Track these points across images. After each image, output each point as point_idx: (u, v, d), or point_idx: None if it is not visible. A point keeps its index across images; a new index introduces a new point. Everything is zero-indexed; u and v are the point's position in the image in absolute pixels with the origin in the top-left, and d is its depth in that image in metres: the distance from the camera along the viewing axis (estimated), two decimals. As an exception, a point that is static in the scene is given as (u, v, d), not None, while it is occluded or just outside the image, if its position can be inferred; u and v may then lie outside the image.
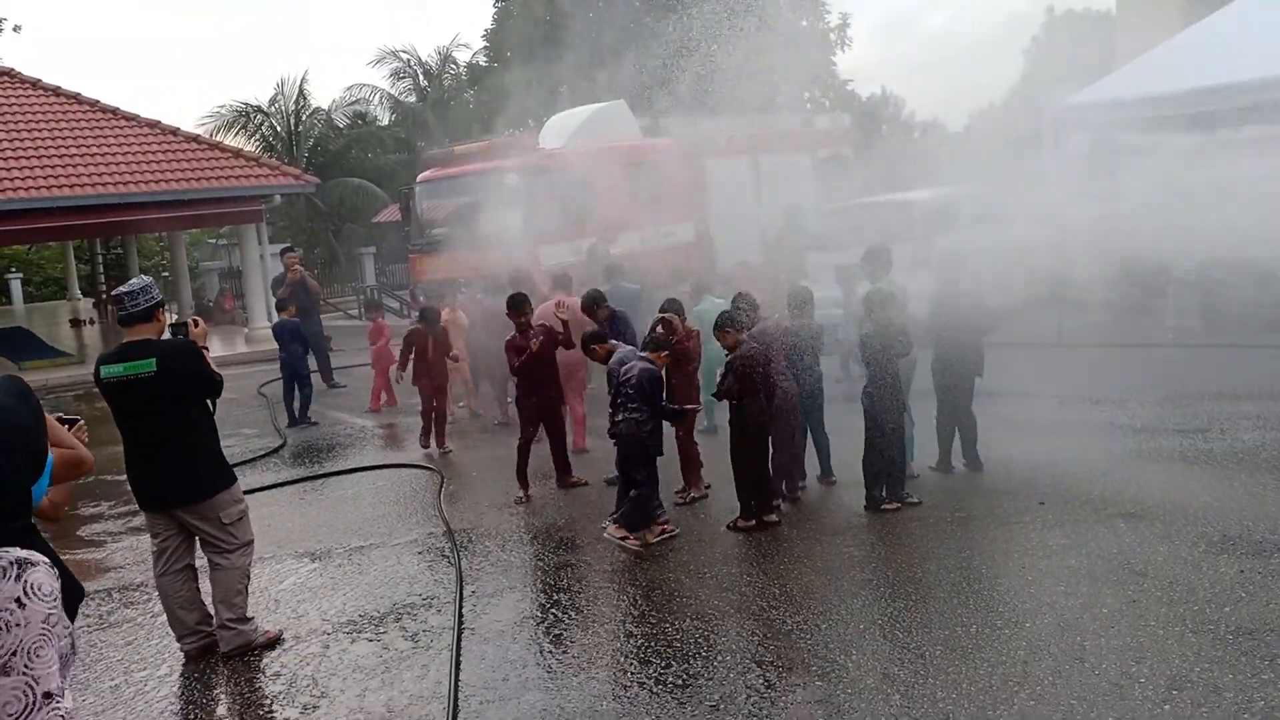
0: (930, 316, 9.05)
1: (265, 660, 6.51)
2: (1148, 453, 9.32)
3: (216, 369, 6.59)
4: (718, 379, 8.47)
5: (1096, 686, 5.17)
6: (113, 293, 6.64)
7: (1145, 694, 5.05)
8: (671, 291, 11.21)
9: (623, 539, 8.07)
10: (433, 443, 12.16)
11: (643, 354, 8.46)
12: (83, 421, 5.98)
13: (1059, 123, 15.58)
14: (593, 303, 10.03)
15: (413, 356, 12.40)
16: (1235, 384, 11.60)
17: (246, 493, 11.06)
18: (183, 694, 6.21)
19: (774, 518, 8.28)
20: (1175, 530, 7.25)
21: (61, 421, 4.22)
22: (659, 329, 8.71)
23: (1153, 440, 9.68)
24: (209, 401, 6.61)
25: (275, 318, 16.29)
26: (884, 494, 8.36)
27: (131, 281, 6.51)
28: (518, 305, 9.86)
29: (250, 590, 6.79)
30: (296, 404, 14.75)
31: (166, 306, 6.96)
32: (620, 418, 8.24)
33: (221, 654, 6.56)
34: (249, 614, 6.72)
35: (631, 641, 6.24)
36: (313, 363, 16.34)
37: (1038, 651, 5.61)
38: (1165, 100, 13.92)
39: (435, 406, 12.21)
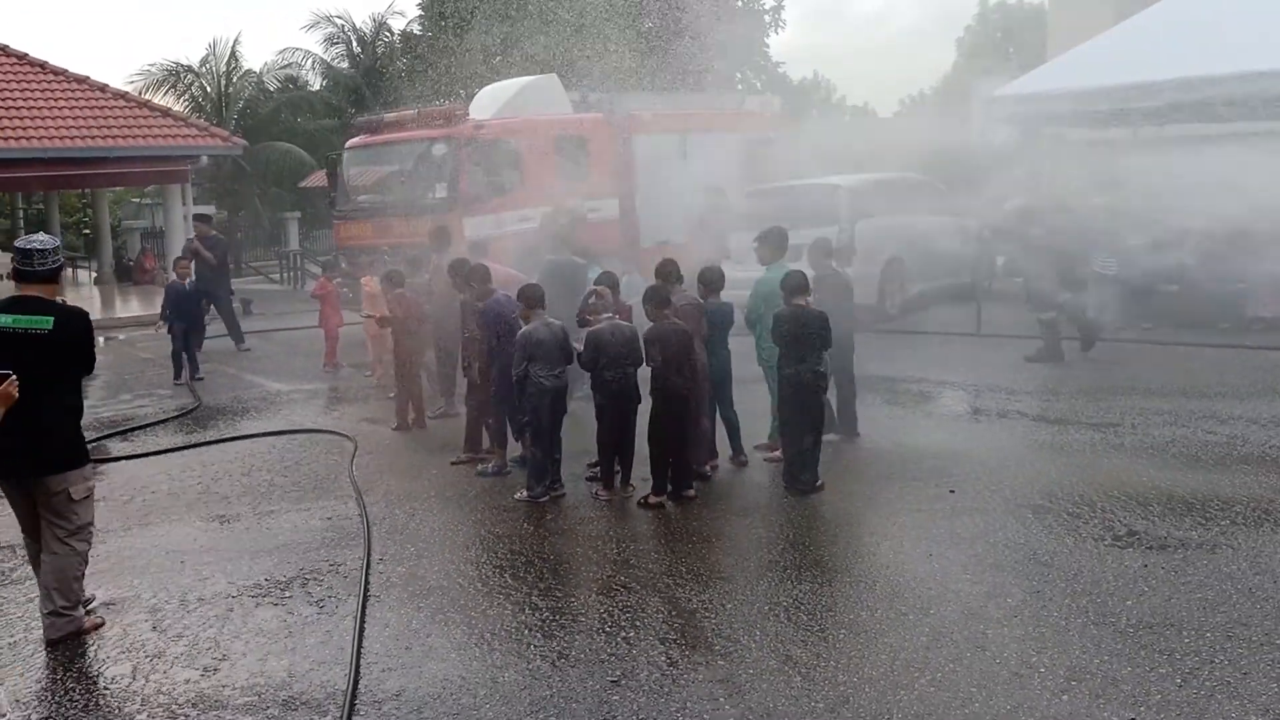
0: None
1: (167, 622, 6.38)
2: (1060, 445, 9.42)
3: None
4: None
5: (996, 675, 5.20)
6: (17, 246, 6.13)
7: (1044, 684, 5.09)
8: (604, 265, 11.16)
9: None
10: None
11: (613, 315, 8.51)
12: (14, 376, 5.71)
13: (987, 113, 15.71)
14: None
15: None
16: (1149, 380, 11.78)
17: (158, 453, 10.84)
18: (83, 651, 6.06)
19: (692, 492, 8.29)
20: (1082, 522, 7.33)
21: None
22: (591, 300, 8.71)
23: (1065, 433, 9.79)
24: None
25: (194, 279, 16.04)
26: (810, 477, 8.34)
27: (42, 238, 6.17)
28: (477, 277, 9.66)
29: (161, 551, 6.59)
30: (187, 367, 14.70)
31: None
32: (610, 375, 8.27)
33: (47, 641, 6.14)
34: (85, 596, 6.40)
35: (536, 614, 6.18)
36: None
37: (940, 638, 5.64)
38: (1090, 95, 14.07)
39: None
